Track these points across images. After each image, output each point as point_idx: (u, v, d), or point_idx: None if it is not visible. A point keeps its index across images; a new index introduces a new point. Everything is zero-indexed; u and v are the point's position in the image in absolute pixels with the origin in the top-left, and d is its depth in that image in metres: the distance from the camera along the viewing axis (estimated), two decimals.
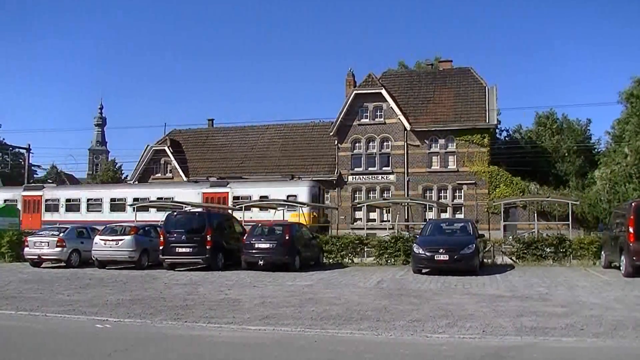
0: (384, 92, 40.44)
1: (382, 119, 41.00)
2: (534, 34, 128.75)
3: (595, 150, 47.27)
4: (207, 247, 17.81)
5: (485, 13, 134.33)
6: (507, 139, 50.30)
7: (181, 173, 44.78)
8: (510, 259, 19.85)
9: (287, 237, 17.75)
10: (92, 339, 8.51)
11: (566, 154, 44.32)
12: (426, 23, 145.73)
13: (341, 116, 41.26)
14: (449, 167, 39.96)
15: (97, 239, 19.03)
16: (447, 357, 7.15)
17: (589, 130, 47.74)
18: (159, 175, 45.76)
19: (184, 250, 17.95)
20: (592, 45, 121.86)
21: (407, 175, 40.24)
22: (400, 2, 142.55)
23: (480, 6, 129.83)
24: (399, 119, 40.11)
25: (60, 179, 65.12)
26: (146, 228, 20.24)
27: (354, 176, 41.47)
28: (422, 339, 8.11)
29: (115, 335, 8.72)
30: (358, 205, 39.03)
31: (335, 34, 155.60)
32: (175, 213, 18.93)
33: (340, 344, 7.96)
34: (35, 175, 63.68)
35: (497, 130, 46.48)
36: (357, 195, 41.41)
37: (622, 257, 15.34)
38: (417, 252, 16.23)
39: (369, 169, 41.33)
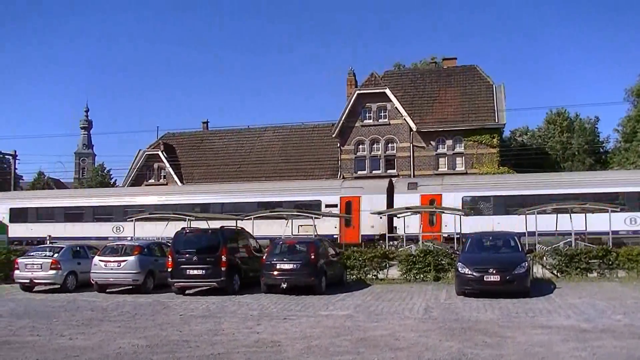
0: (388, 91, 38.68)
1: (386, 120, 39.25)
2: (531, 34, 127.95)
3: (603, 149, 45.92)
4: (223, 268, 15.83)
5: (488, 11, 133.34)
6: (513, 139, 48.76)
7: (176, 178, 42.69)
8: (552, 272, 18.20)
9: (312, 256, 15.82)
10: None
11: (576, 153, 42.82)
12: (423, 23, 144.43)
13: (343, 117, 39.43)
14: (457, 168, 38.28)
15: (96, 260, 17.10)
16: None
17: (596, 128, 46.43)
18: (152, 181, 43.61)
19: (196, 272, 15.96)
20: (592, 44, 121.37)
21: (414, 178, 38.51)
22: (394, 2, 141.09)
23: (483, 4, 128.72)
24: (404, 119, 38.40)
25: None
26: (150, 246, 18.35)
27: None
28: None
29: None
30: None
31: (332, 34, 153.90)
32: (185, 231, 16.98)
33: None
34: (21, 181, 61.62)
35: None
36: None
37: None
38: (463, 271, 14.43)
39: (374, 171, 39.53)
